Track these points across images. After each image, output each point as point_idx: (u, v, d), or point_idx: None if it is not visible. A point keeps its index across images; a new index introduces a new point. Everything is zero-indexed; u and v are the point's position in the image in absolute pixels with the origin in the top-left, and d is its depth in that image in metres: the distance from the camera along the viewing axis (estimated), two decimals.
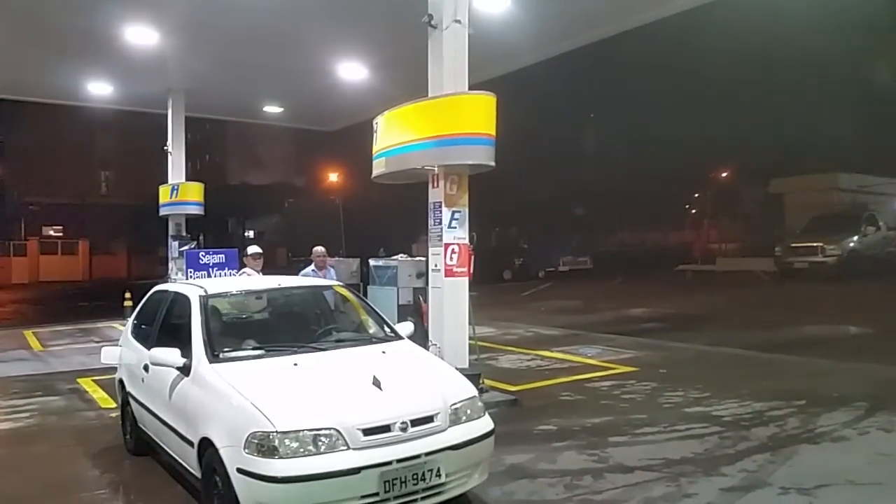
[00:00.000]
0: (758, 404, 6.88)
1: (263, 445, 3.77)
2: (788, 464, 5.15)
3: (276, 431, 3.78)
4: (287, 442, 3.77)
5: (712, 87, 36.25)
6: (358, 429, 3.86)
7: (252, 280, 7.03)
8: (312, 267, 8.37)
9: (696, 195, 45.66)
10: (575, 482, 4.97)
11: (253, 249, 8.33)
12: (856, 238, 21.58)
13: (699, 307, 15.91)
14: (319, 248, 8.47)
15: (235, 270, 10.66)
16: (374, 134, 7.93)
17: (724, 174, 42.56)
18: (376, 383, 4.20)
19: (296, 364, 4.50)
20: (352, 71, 14.02)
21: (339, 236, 33.83)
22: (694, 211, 46.97)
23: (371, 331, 5.43)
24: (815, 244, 21.59)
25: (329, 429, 3.84)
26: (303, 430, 3.81)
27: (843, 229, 21.88)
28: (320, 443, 3.81)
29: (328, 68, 13.81)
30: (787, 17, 26.68)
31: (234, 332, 5.21)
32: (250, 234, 49.04)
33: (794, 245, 22.43)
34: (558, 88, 36.08)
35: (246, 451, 3.80)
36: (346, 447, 3.83)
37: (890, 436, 5.75)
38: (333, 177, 44.44)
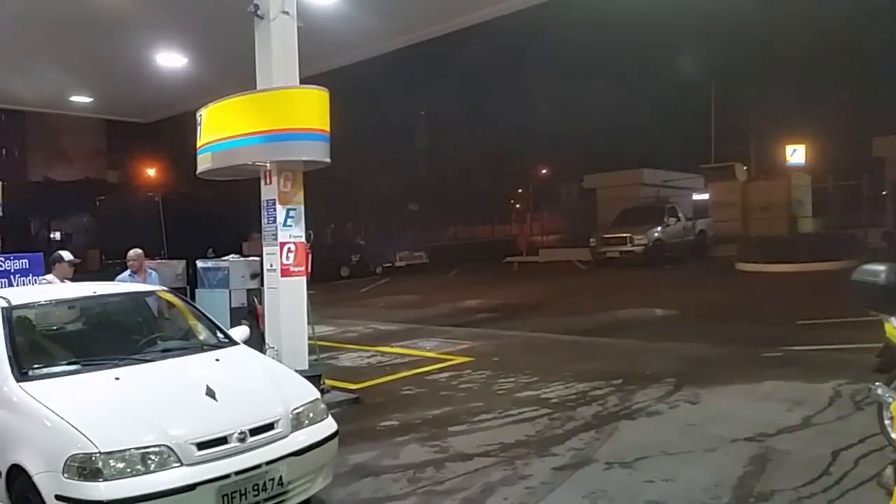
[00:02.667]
0: (581, 385, 7.40)
1: (85, 468, 3.47)
2: (611, 440, 5.60)
3: (99, 452, 3.49)
4: (112, 462, 3.49)
5: (538, 85, 38.42)
6: (191, 443, 3.66)
7: (63, 288, 6.36)
8: (129, 272, 7.65)
9: (520, 190, 48.14)
10: (418, 475, 5.05)
11: (69, 256, 7.40)
12: (659, 228, 23.79)
13: (526, 297, 16.78)
14: (134, 251, 7.73)
15: (41, 277, 9.58)
16: (198, 127, 7.49)
17: (544, 170, 45.32)
18: (210, 393, 4.00)
19: (117, 378, 4.16)
20: (171, 60, 13.13)
21: (159, 236, 31.66)
22: (518, 206, 49.48)
23: (202, 337, 5.13)
24: (624, 235, 23.53)
25: (158, 445, 3.61)
26: (129, 449, 3.55)
27: (648, 220, 24.02)
28: (149, 461, 3.56)
29: (144, 56, 12.79)
30: (606, 22, 28.73)
31: (44, 346, 4.74)
32: (56, 235, 44.51)
33: (606, 236, 24.27)
34: (393, 84, 36.40)
35: (66, 475, 3.47)
36: (178, 463, 3.61)
37: (696, 407, 6.43)
38: (152, 172, 41.57)
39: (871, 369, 4.76)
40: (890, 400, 4.36)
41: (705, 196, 28.37)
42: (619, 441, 5.56)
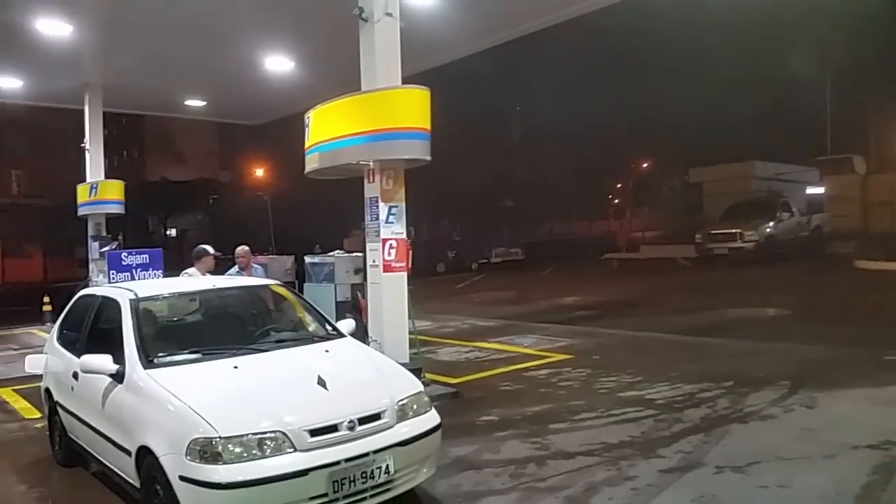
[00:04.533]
0: (688, 386, 7.15)
1: (206, 451, 3.67)
2: (721, 443, 5.38)
3: (220, 437, 3.68)
4: (231, 447, 3.68)
5: (637, 78, 37.34)
6: (304, 430, 3.81)
7: (185, 281, 6.79)
8: (237, 268, 8.06)
9: (620, 185, 46.98)
10: (519, 471, 5.04)
11: (212, 250, 7.83)
12: (772, 224, 22.60)
13: (626, 294, 16.39)
14: (242, 248, 8.14)
15: (161, 272, 10.21)
16: (306, 129, 7.79)
17: (645, 164, 43.99)
18: (321, 383, 4.16)
19: (236, 367, 4.39)
20: (278, 64, 13.72)
21: (267, 233, 33.13)
22: (618, 201, 48.31)
23: (311, 329, 5.34)
24: (733, 231, 22.51)
25: (274, 431, 3.77)
26: (247, 435, 3.73)
27: (759, 216, 22.87)
28: (265, 446, 3.74)
29: (253, 61, 13.46)
30: (709, 8, 27.56)
31: (168, 336, 5.05)
32: (172, 232, 47.40)
33: (713, 232, 23.33)
34: (488, 81, 36.39)
35: (188, 457, 3.69)
36: (292, 449, 3.77)
37: (812, 412, 6.08)
38: (260, 172, 43.46)
39: None
40: None
41: (821, 190, 26.69)
42: (730, 445, 5.34)
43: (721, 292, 15.74)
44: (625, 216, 42.23)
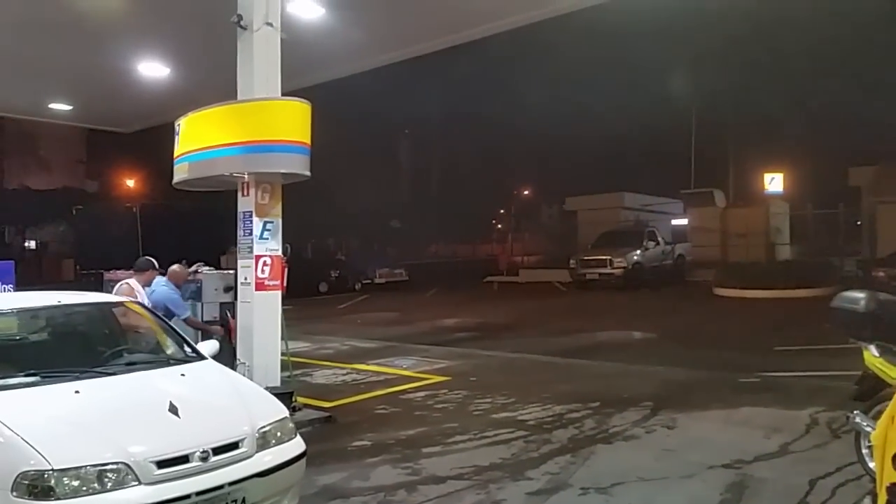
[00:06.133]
0: (558, 407, 7.30)
1: (36, 486, 3.29)
2: (587, 464, 5.49)
3: (52, 469, 3.31)
4: (66, 481, 3.32)
5: (522, 106, 38.72)
6: (151, 461, 3.50)
7: (26, 297, 6.15)
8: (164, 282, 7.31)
9: (502, 210, 48.28)
10: (388, 498, 4.91)
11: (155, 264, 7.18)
12: (639, 252, 23.88)
13: (505, 317, 16.69)
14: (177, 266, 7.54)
15: (12, 286, 9.26)
16: (176, 136, 7.37)
17: (526, 191, 45.55)
18: (173, 410, 3.85)
19: (77, 391, 4.00)
20: (153, 70, 13.02)
21: (135, 247, 31.23)
22: (500, 226, 49.57)
23: (169, 351, 4.97)
24: (604, 257, 23.59)
25: (116, 463, 3.44)
26: (85, 467, 3.38)
27: (628, 244, 24.13)
28: (106, 479, 3.40)
29: (126, 65, 12.70)
30: (601, 39, 28.92)
31: (2, 356, 4.53)
32: (31, 244, 43.76)
33: (586, 258, 24.33)
34: (378, 100, 36.45)
35: (14, 494, 3.30)
36: (136, 482, 3.45)
37: (672, 432, 6.35)
38: (131, 182, 41.11)
39: (850, 397, 4.72)
40: (869, 429, 4.31)
41: (684, 221, 28.59)
42: (595, 466, 5.46)
43: (593, 316, 16.37)
44: (506, 241, 43.36)
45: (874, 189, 23.88)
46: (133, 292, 6.58)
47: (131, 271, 7.20)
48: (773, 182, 26.73)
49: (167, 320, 5.54)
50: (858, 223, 25.96)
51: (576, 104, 37.32)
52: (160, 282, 7.22)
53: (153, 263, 7.12)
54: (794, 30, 26.08)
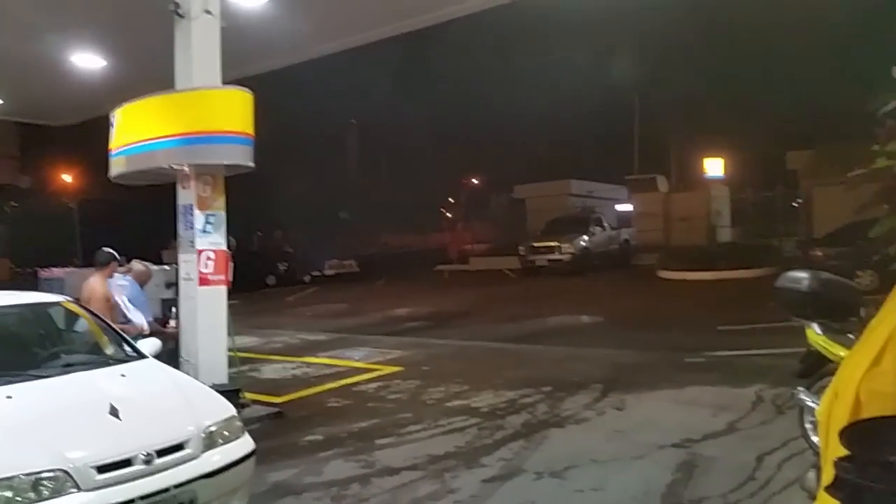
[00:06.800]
0: (511, 393, 7.34)
1: None
2: (541, 448, 5.53)
3: None
4: None
5: (470, 95, 38.72)
6: (91, 466, 3.35)
7: None
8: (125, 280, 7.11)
9: (452, 199, 48.28)
10: (342, 492, 4.84)
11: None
12: (586, 238, 24.21)
13: (456, 305, 16.71)
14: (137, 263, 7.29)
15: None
16: (112, 129, 7.09)
17: (475, 180, 45.67)
18: (113, 412, 3.70)
19: (9, 396, 3.80)
20: (88, 61, 12.48)
21: (74, 243, 30.17)
22: (450, 214, 49.56)
23: (108, 351, 4.78)
24: (552, 244, 23.86)
25: (53, 470, 3.28)
26: (17, 476, 3.21)
27: (575, 230, 24.44)
28: (42, 488, 3.24)
29: (59, 56, 12.13)
30: (545, 26, 28.97)
31: None
32: None
33: (535, 245, 24.55)
34: (325, 90, 35.90)
35: None
36: (76, 489, 3.30)
37: (622, 413, 6.45)
38: (68, 177, 39.59)
39: (794, 374, 4.86)
40: (813, 405, 4.45)
41: (629, 207, 29.10)
42: (548, 450, 5.50)
43: (542, 301, 16.52)
44: (456, 229, 43.40)
45: (810, 172, 24.66)
46: (100, 292, 6.36)
47: (70, 269, 6.96)
48: (714, 167, 27.45)
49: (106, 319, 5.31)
50: (795, 205, 26.87)
51: (523, 93, 37.58)
52: (123, 280, 6.98)
53: (114, 255, 6.87)
54: (733, 16, 26.70)
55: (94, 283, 6.46)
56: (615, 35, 28.86)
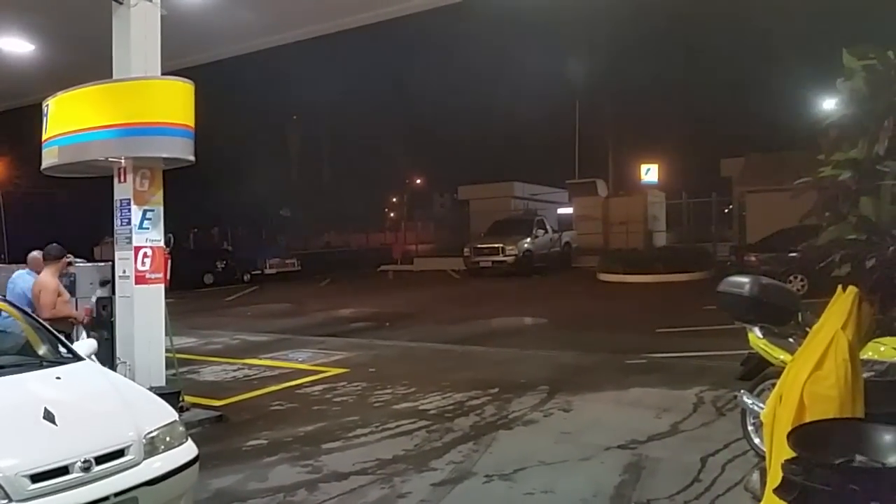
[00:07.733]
0: (458, 395, 7.32)
1: None
2: (490, 451, 5.52)
3: None
4: None
5: (415, 94, 38.70)
6: (23, 475, 3.15)
7: None
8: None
9: (395, 199, 48.18)
10: (289, 499, 4.72)
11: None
12: (528, 240, 24.52)
13: (401, 306, 16.62)
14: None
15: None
16: (45, 118, 6.74)
17: (419, 180, 45.67)
18: (48, 417, 3.48)
19: None
20: (15, 45, 11.84)
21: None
22: (393, 214, 49.42)
23: (41, 352, 4.51)
24: (496, 245, 24.07)
25: None
26: None
27: (518, 232, 24.72)
28: None
29: None
30: (492, 27, 29.09)
31: None
32: None
33: (479, 246, 24.71)
34: (269, 84, 35.25)
35: None
36: (6, 500, 3.09)
37: (569, 415, 6.50)
38: None
39: (736, 377, 4.98)
40: (755, 407, 4.57)
41: (570, 210, 29.60)
42: (497, 452, 5.49)
43: (487, 302, 16.61)
44: (400, 229, 43.29)
45: (742, 179, 25.62)
46: (52, 286, 6.21)
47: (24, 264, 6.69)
48: (649, 173, 28.25)
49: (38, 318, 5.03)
50: (727, 210, 27.82)
51: (469, 94, 37.79)
52: (23, 273, 6.66)
53: (62, 251, 6.59)
54: (674, 25, 27.49)
55: (45, 277, 6.34)
56: (560, 39, 29.33)
